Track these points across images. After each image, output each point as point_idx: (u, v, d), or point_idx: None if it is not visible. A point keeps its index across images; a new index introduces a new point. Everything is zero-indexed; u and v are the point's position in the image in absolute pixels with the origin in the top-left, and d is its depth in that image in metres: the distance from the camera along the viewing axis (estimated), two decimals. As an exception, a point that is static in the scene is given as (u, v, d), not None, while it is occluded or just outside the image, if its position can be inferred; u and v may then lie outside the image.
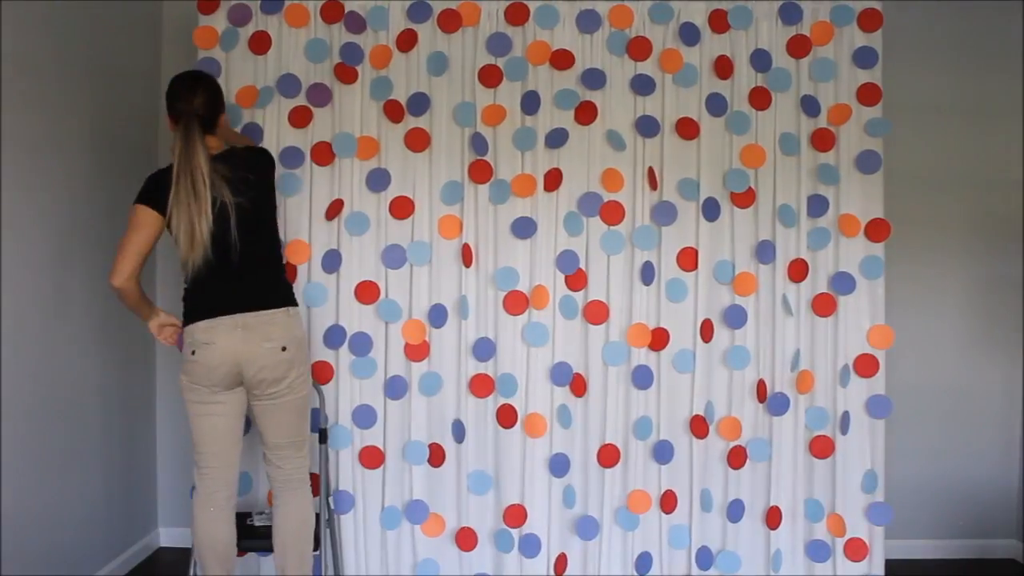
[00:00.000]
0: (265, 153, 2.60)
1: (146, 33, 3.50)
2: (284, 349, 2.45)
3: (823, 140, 3.03)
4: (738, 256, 3.06)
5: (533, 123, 3.02)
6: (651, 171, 3.03)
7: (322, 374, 2.99)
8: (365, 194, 3.02)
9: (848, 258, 3.05)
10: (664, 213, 3.02)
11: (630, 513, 3.02)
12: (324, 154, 2.99)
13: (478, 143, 2.99)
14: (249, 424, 2.70)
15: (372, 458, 3.00)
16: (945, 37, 3.60)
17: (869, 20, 3.04)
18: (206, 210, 2.33)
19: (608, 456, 3.00)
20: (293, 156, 2.98)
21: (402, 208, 3.00)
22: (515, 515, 2.98)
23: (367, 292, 2.99)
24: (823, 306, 3.04)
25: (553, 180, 3.00)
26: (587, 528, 3.00)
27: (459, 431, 3.01)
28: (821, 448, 3.04)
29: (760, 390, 3.03)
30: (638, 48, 3.01)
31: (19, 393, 2.64)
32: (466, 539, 3.00)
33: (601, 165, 3.03)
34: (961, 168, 3.61)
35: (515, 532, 3.01)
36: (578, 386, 3.00)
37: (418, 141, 3.00)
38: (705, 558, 3.05)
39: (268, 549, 2.62)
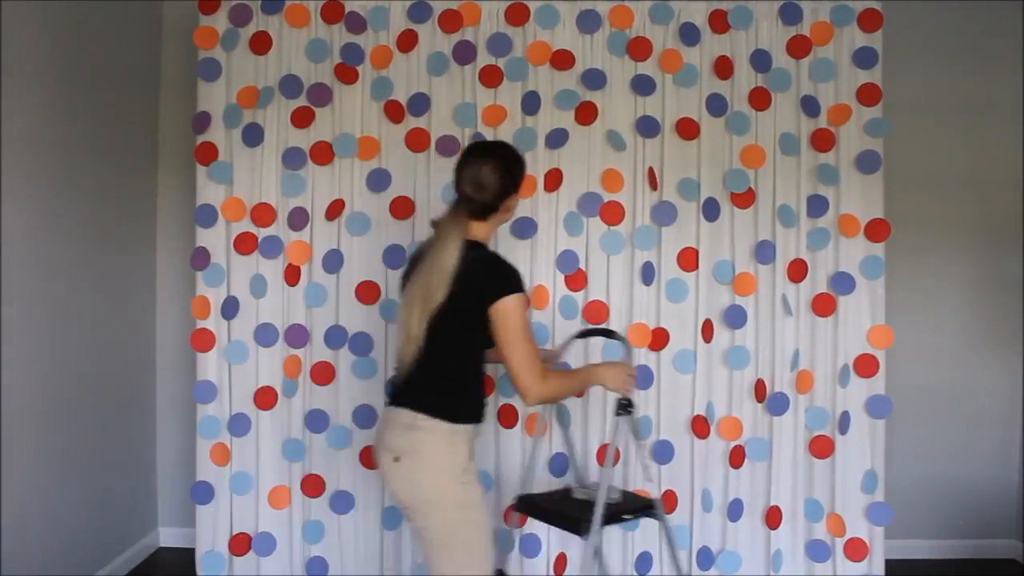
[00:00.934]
0: (490, 272, 2.01)
1: (146, 33, 3.50)
2: (398, 460, 1.99)
3: (823, 140, 3.03)
4: (738, 256, 3.06)
5: (533, 123, 3.02)
6: (651, 171, 3.03)
7: (322, 374, 2.99)
8: (366, 194, 3.02)
9: (848, 258, 3.06)
10: (664, 213, 3.02)
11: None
12: (325, 154, 2.99)
13: (478, 143, 2.99)
14: None
15: (372, 458, 3.00)
16: (945, 37, 3.60)
17: (869, 20, 3.04)
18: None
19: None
20: (294, 156, 2.98)
21: (402, 208, 3.00)
22: (516, 515, 2.98)
23: (368, 292, 2.99)
24: (823, 306, 3.04)
25: (553, 180, 3.00)
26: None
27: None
28: (821, 448, 3.04)
29: (759, 390, 3.03)
30: (638, 48, 3.01)
31: (19, 393, 2.64)
32: (466, 539, 3.00)
33: (601, 165, 3.04)
34: (961, 168, 3.61)
35: (516, 532, 3.01)
36: (578, 386, 3.00)
37: (418, 141, 3.00)
38: (705, 558, 3.05)
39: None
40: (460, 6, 3.00)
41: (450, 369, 2.04)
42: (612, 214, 3.01)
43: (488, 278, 1.97)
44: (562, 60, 3.01)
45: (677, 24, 3.04)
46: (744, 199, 3.04)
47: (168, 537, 3.65)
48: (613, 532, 3.05)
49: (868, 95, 3.04)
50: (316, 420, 2.99)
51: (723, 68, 3.02)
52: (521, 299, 1.96)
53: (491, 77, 2.99)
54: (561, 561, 3.03)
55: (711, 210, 3.03)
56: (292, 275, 2.98)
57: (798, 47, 3.04)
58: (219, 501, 3.02)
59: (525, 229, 2.99)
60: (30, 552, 2.71)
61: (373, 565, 3.05)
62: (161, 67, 3.61)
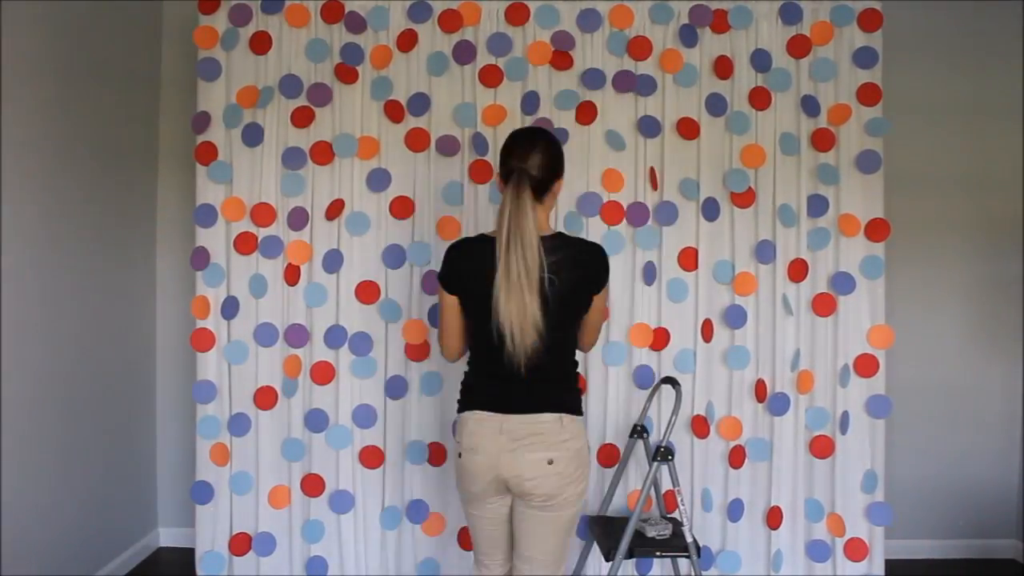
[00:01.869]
0: (599, 257, 2.10)
1: (146, 33, 3.51)
2: (551, 463, 2.04)
3: (823, 140, 3.03)
4: (738, 256, 3.06)
5: (533, 123, 3.02)
6: (652, 171, 3.03)
7: (323, 374, 2.99)
8: (366, 194, 3.02)
9: (848, 258, 3.05)
10: (665, 213, 3.02)
11: (631, 513, 3.01)
12: (325, 154, 2.99)
13: (478, 143, 2.99)
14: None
15: (372, 458, 3.00)
16: (945, 37, 3.60)
17: (869, 20, 3.04)
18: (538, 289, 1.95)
19: (608, 456, 3.00)
20: (294, 156, 2.98)
21: (402, 208, 3.00)
22: (515, 515, 2.98)
23: (368, 292, 2.99)
24: (823, 306, 3.04)
25: (553, 180, 3.00)
26: (587, 528, 3.00)
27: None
28: (821, 448, 3.04)
29: (759, 390, 3.03)
30: (638, 48, 3.01)
31: (19, 393, 2.64)
32: (467, 539, 3.00)
33: (601, 165, 3.04)
34: (961, 168, 3.61)
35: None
36: (578, 386, 3.00)
37: (418, 141, 3.00)
38: (706, 558, 3.05)
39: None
40: (460, 6, 3.00)
41: (571, 362, 2.13)
42: (612, 214, 3.01)
43: (598, 264, 2.08)
44: (562, 60, 3.01)
45: (677, 24, 3.04)
46: (744, 199, 3.04)
47: (168, 537, 3.65)
48: (613, 532, 3.05)
49: (868, 95, 3.04)
50: (316, 420, 2.99)
51: (723, 68, 3.02)
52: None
53: (491, 77, 2.99)
54: (561, 561, 3.03)
55: (711, 210, 3.03)
56: (292, 275, 2.98)
57: (798, 47, 3.04)
58: (219, 501, 3.02)
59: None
60: (30, 552, 2.71)
61: (373, 565, 3.05)
62: (161, 67, 3.61)
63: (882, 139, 3.07)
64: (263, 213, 2.97)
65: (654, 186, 3.04)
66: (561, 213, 3.02)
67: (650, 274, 3.01)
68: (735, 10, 3.03)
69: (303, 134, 3.01)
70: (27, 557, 2.69)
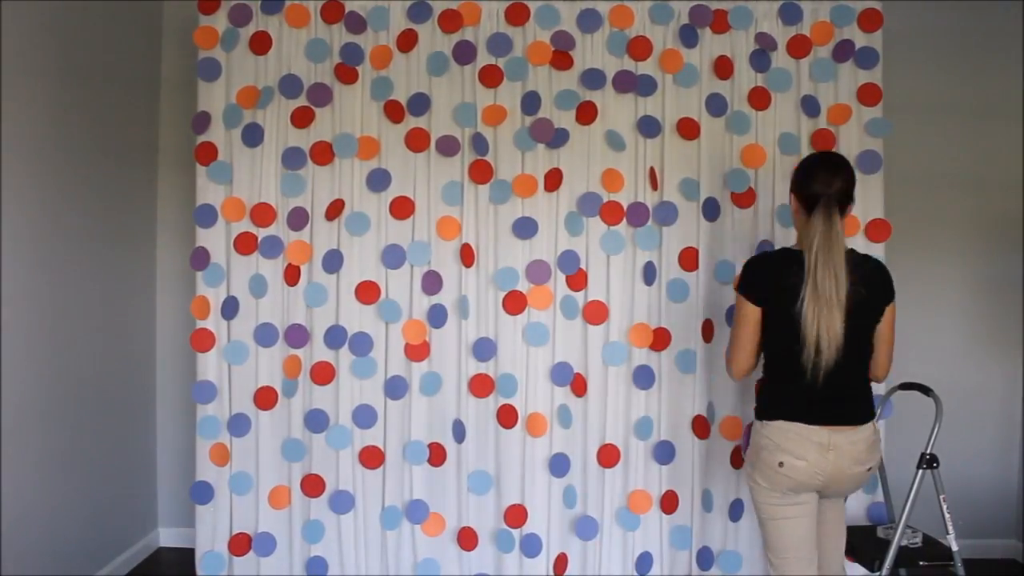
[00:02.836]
0: (887, 274, 2.30)
1: (146, 33, 3.50)
2: (870, 470, 2.21)
3: (823, 140, 3.03)
4: (738, 256, 3.06)
5: (533, 123, 3.02)
6: (652, 171, 3.03)
7: (323, 374, 2.99)
8: (365, 194, 3.02)
9: (848, 258, 3.05)
10: (665, 213, 3.02)
11: (631, 513, 3.02)
12: (325, 154, 2.99)
13: (478, 143, 2.99)
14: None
15: (372, 458, 3.00)
16: (945, 37, 3.60)
17: (869, 20, 3.04)
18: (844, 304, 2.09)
19: (608, 456, 3.00)
20: (294, 156, 2.98)
21: (402, 208, 3.00)
22: (516, 515, 2.98)
23: (367, 292, 2.99)
24: (823, 306, 3.03)
25: (553, 180, 3.00)
26: (587, 528, 3.00)
27: (459, 431, 3.01)
28: (821, 448, 3.04)
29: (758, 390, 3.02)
30: (638, 48, 3.01)
31: (19, 393, 2.64)
32: (467, 539, 3.00)
33: (601, 165, 3.03)
34: (961, 168, 3.61)
35: (516, 532, 3.01)
36: (578, 386, 3.00)
37: (418, 141, 3.00)
38: (706, 558, 3.05)
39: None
40: (460, 6, 3.00)
41: (865, 371, 2.28)
42: (612, 214, 3.01)
43: (888, 280, 2.29)
44: (562, 60, 3.00)
45: (677, 24, 3.04)
46: (744, 199, 3.04)
47: (168, 537, 3.65)
48: (614, 532, 3.05)
49: (868, 95, 3.04)
50: (316, 420, 2.99)
51: (723, 68, 3.02)
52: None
53: (491, 77, 2.99)
54: (561, 561, 3.03)
55: (711, 210, 3.02)
56: (292, 275, 2.98)
57: (798, 47, 3.04)
58: (219, 501, 3.02)
59: (525, 229, 2.99)
60: (30, 552, 2.71)
61: (373, 565, 3.05)
62: (161, 67, 3.61)
63: (882, 139, 3.07)
64: (263, 213, 2.97)
65: (654, 186, 3.04)
66: (561, 213, 3.02)
67: (650, 274, 3.01)
68: (735, 10, 3.03)
69: (303, 134, 3.01)
70: (27, 557, 2.69)
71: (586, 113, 3.00)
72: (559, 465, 3.00)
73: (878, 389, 3.05)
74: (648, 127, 3.01)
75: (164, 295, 3.61)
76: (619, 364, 3.01)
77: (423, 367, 3.02)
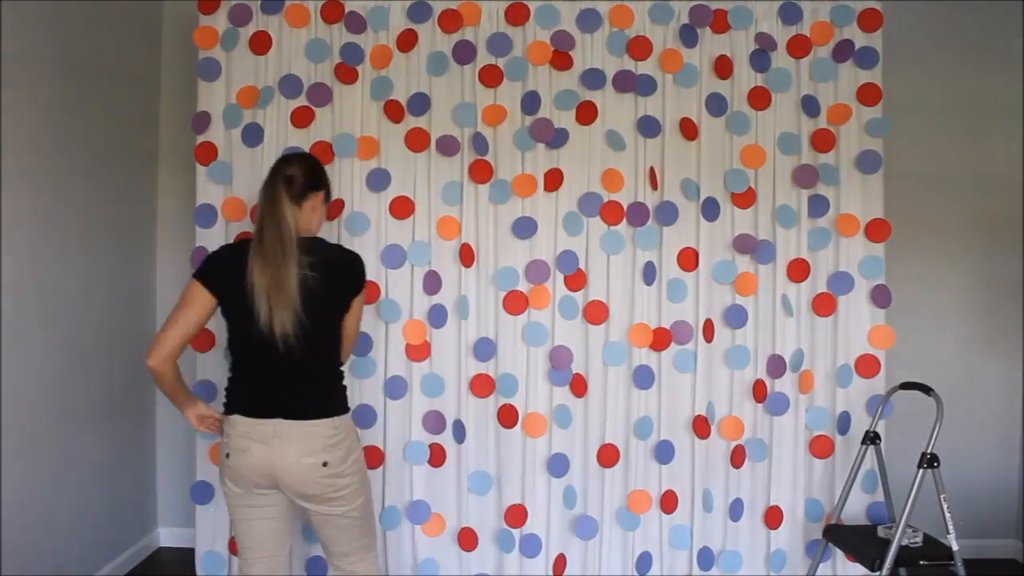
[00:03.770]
0: (359, 261, 2.27)
1: (146, 33, 3.50)
2: (325, 464, 2.12)
3: (823, 140, 3.03)
4: (738, 256, 3.06)
5: (533, 123, 3.02)
6: (652, 171, 3.03)
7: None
8: (365, 194, 3.02)
9: (848, 258, 3.05)
10: (664, 213, 3.02)
11: (630, 513, 3.02)
12: (324, 154, 2.99)
13: (478, 143, 2.99)
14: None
15: (372, 458, 3.00)
16: (945, 37, 3.60)
17: (869, 20, 3.04)
18: (295, 269, 2.04)
19: (608, 456, 3.00)
20: (293, 156, 2.98)
21: (402, 208, 3.00)
22: (516, 515, 2.98)
23: (368, 292, 2.98)
24: (823, 306, 3.04)
25: (553, 180, 3.00)
26: (587, 528, 3.01)
27: (460, 431, 3.01)
28: (821, 448, 3.04)
29: (758, 390, 3.03)
30: (638, 48, 3.01)
31: (19, 394, 2.64)
32: (467, 539, 3.00)
33: (601, 165, 3.03)
34: (961, 168, 3.61)
35: (516, 532, 3.01)
36: (578, 386, 3.00)
37: (418, 141, 3.00)
38: (707, 558, 3.05)
39: None
40: (460, 6, 3.00)
41: (326, 365, 2.21)
42: (612, 214, 3.01)
43: (355, 271, 2.25)
44: (562, 60, 3.00)
45: (677, 24, 3.04)
46: (744, 199, 3.04)
47: (168, 537, 3.65)
48: (614, 532, 3.05)
49: (868, 95, 3.04)
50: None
51: (723, 68, 3.02)
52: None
53: (491, 77, 2.99)
54: (561, 561, 3.03)
55: (711, 210, 3.02)
56: (292, 275, 2.98)
57: (798, 47, 3.04)
58: (219, 501, 3.02)
59: (525, 229, 2.99)
60: (30, 552, 2.71)
61: (373, 565, 3.05)
62: (161, 67, 3.61)
63: (882, 139, 3.07)
64: (263, 213, 2.97)
65: (654, 186, 3.04)
66: (561, 213, 3.02)
67: (650, 274, 3.01)
68: (735, 10, 3.03)
69: (303, 134, 3.01)
70: (27, 557, 2.69)
71: (586, 113, 3.00)
72: (559, 465, 3.00)
73: (875, 389, 3.06)
74: (648, 127, 3.01)
75: (164, 295, 3.61)
76: (619, 364, 3.01)
77: (423, 367, 3.02)
